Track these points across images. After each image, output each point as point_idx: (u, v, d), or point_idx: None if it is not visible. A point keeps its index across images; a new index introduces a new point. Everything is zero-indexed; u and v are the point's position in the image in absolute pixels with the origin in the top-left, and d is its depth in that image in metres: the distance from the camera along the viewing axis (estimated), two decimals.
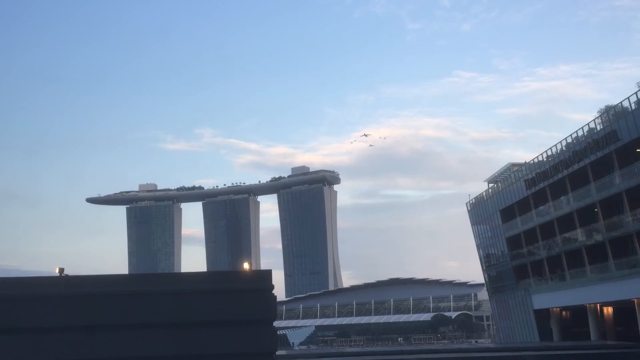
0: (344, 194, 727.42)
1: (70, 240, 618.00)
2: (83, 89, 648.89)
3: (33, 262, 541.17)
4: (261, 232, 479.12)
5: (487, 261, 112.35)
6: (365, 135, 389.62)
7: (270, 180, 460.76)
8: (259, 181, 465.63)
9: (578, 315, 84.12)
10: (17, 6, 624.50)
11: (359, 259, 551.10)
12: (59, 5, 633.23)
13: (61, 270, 46.74)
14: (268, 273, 22.56)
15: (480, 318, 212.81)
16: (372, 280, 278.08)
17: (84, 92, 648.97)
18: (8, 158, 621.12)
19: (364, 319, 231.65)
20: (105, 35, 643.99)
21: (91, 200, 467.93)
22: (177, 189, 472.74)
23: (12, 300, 21.52)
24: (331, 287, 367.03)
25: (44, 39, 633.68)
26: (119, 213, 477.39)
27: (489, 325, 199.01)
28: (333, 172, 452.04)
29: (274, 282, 24.64)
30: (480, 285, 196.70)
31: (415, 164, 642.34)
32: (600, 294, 75.33)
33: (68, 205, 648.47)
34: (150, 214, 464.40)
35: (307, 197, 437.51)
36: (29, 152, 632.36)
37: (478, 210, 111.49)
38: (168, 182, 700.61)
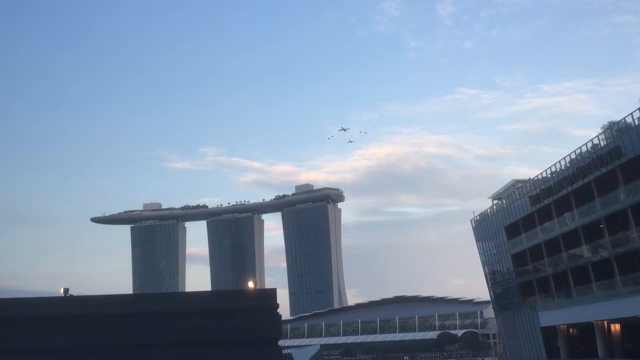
0: (348, 212, 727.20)
1: (74, 260, 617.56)
2: (87, 109, 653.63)
3: (38, 282, 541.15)
4: (265, 251, 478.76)
5: (493, 278, 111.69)
6: (344, 130, 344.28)
7: (274, 199, 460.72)
8: (263, 199, 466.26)
9: (585, 332, 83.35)
10: (21, 32, 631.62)
11: (364, 277, 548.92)
12: (64, 28, 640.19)
13: (66, 290, 46.69)
14: (273, 292, 22.55)
15: (487, 336, 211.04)
16: (377, 298, 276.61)
17: (88, 112, 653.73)
18: (13, 179, 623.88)
19: (369, 338, 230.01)
20: (108, 57, 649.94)
21: (96, 220, 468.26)
22: (182, 208, 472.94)
23: (18, 321, 21.54)
24: (336, 306, 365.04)
25: (52, 60, 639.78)
26: (124, 232, 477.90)
27: (495, 343, 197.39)
28: (337, 189, 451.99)
29: (278, 301, 24.70)
30: (486, 302, 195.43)
31: (419, 181, 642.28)
32: (607, 310, 74.69)
33: (73, 225, 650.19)
34: (155, 233, 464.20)
35: (311, 215, 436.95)
36: (34, 173, 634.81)
37: (482, 227, 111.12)
38: (172, 201, 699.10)
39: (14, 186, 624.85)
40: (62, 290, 44.75)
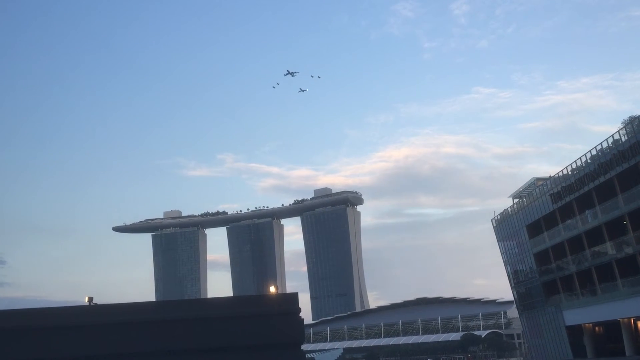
0: (367, 215, 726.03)
1: (97, 269, 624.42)
2: (106, 119, 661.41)
3: (62, 292, 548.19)
4: (286, 255, 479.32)
5: (516, 278, 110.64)
6: (291, 74, 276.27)
7: (293, 203, 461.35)
8: (282, 204, 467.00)
9: (612, 330, 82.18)
10: (40, 40, 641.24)
11: (385, 279, 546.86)
12: (85, 36, 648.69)
13: (90, 299, 47.20)
14: (294, 296, 22.59)
15: (511, 336, 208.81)
16: (399, 300, 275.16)
17: (107, 122, 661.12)
18: (34, 190, 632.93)
19: (392, 340, 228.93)
20: (126, 66, 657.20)
21: (117, 229, 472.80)
22: (201, 215, 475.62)
23: (44, 330, 21.83)
24: (358, 309, 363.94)
25: (70, 70, 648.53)
26: (145, 241, 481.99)
27: (520, 343, 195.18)
28: (355, 192, 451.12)
29: (300, 305, 24.68)
30: (509, 302, 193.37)
31: (438, 182, 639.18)
32: (633, 308, 73.55)
33: (95, 235, 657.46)
34: (176, 241, 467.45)
35: (330, 219, 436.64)
36: (55, 184, 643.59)
37: (504, 226, 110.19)
38: (192, 208, 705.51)
39: (35, 197, 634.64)
40: (86, 299, 45.26)
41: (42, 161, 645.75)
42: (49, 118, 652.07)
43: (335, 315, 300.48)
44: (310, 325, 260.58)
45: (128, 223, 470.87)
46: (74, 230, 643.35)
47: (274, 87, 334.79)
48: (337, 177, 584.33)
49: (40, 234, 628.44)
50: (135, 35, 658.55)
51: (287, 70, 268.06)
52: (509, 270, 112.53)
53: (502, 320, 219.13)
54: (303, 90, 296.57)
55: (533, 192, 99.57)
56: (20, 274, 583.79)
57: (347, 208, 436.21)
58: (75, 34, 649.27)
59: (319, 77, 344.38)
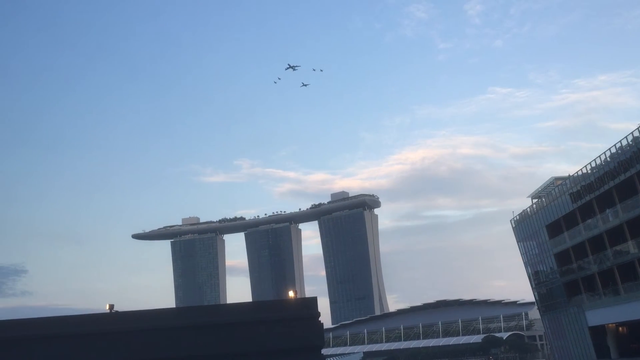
0: (385, 217, 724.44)
1: (118, 276, 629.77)
2: (123, 127, 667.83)
3: (83, 299, 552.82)
4: (304, 260, 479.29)
5: (536, 278, 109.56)
6: (292, 68, 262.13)
7: (310, 208, 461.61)
8: (299, 209, 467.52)
9: (636, 330, 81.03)
10: (58, 46, 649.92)
11: (404, 282, 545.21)
12: (95, 46, 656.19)
13: (111, 306, 47.62)
14: (313, 300, 22.56)
15: (533, 338, 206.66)
16: (419, 303, 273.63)
17: (125, 130, 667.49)
18: (54, 199, 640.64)
19: (412, 343, 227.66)
20: (138, 74, 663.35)
21: (137, 237, 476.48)
22: (219, 221, 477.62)
23: (67, 338, 22.06)
24: (377, 312, 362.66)
25: (85, 80, 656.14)
26: (164, 248, 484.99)
27: (542, 345, 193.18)
28: (373, 195, 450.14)
29: (319, 309, 24.68)
30: (530, 303, 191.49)
31: (455, 183, 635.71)
32: None
33: (114, 243, 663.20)
34: (194, 247, 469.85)
35: (348, 222, 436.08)
36: (74, 193, 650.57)
37: (523, 226, 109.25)
38: (210, 214, 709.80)
39: (55, 206, 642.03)
40: (107, 307, 45.68)
41: (61, 169, 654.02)
42: (68, 126, 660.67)
43: (354, 319, 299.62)
44: (329, 330, 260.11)
45: (147, 230, 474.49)
46: (94, 238, 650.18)
47: (275, 82, 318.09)
48: (354, 180, 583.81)
49: (61, 242, 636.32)
50: (152, 43, 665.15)
51: (288, 64, 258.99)
52: (530, 271, 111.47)
53: (524, 322, 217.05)
54: (305, 85, 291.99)
55: (552, 191, 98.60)
56: (41, 282, 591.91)
57: (365, 211, 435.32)
58: (92, 41, 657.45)
59: (321, 71, 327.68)
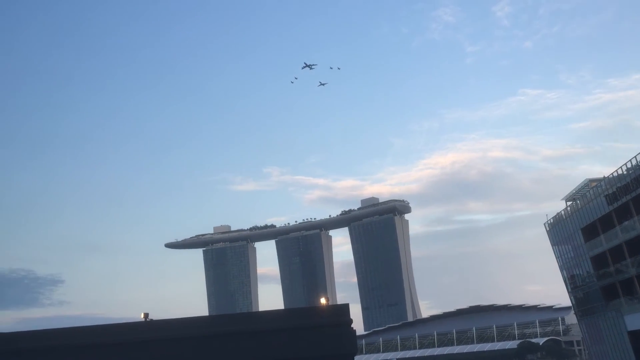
0: (416, 223, 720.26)
1: (152, 285, 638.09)
2: (154, 138, 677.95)
3: (118, 308, 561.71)
4: (335, 266, 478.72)
5: (573, 283, 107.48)
6: (309, 67, 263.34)
7: (340, 214, 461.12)
8: (329, 215, 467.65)
9: None
10: (92, 55, 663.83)
11: (436, 287, 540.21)
12: (125, 54, 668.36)
13: (146, 315, 48.21)
14: (345, 307, 22.51)
15: (570, 343, 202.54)
16: (452, 309, 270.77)
17: (156, 143, 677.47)
18: (89, 211, 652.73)
19: (446, 350, 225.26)
20: (169, 82, 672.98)
21: (169, 246, 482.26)
22: (250, 229, 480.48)
23: (104, 347, 22.43)
24: (410, 318, 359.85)
25: (113, 89, 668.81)
26: (196, 256, 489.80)
27: (580, 350, 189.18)
28: (403, 201, 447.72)
29: (351, 316, 24.58)
30: (567, 308, 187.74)
31: (487, 187, 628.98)
32: None
33: (148, 252, 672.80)
34: (226, 255, 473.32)
35: (378, 228, 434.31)
36: (109, 205, 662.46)
37: (558, 230, 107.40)
38: (241, 222, 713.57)
39: (90, 217, 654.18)
40: (142, 316, 46.28)
41: (96, 181, 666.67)
42: (102, 139, 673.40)
43: (387, 326, 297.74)
44: (362, 336, 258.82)
45: (179, 239, 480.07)
46: (128, 248, 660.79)
47: (292, 82, 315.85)
48: (384, 186, 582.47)
49: (96, 252, 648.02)
50: (185, 62, 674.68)
51: (305, 63, 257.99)
52: (565, 275, 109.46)
53: (560, 327, 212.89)
54: (323, 84, 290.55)
55: (587, 193, 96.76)
56: (77, 292, 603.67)
57: (395, 217, 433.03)
58: (136, 64, 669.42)
59: (338, 69, 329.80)
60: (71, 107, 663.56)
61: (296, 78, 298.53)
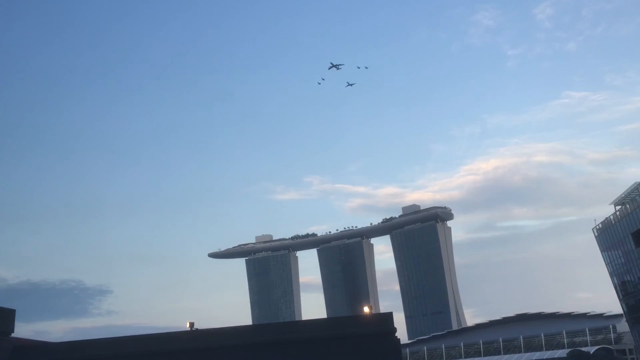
0: (458, 230, 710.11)
1: (197, 294, 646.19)
2: (198, 152, 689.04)
3: (165, 317, 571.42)
4: (377, 275, 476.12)
5: (624, 289, 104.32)
6: (336, 67, 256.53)
7: (381, 222, 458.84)
8: (371, 223, 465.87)
9: None
10: (118, 64, 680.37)
11: (481, 295, 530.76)
12: (177, 81, 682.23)
13: (191, 324, 49.00)
14: (389, 316, 22.42)
15: (623, 352, 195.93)
16: (498, 317, 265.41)
17: (199, 155, 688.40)
18: (136, 222, 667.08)
19: (493, 359, 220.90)
20: (213, 93, 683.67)
21: (213, 255, 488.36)
22: (292, 238, 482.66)
23: (149, 356, 22.86)
24: (454, 327, 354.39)
25: (153, 97, 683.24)
26: (239, 265, 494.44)
27: (633, 359, 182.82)
28: (445, 208, 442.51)
29: (395, 325, 24.44)
30: (618, 315, 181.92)
31: (531, 193, 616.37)
32: None
33: (192, 262, 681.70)
34: (268, 265, 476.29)
35: (420, 236, 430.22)
36: (155, 215, 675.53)
37: (607, 235, 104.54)
38: (283, 231, 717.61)
39: (137, 228, 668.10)
40: (188, 325, 47.04)
41: (143, 195, 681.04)
42: (150, 153, 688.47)
43: (431, 334, 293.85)
44: (406, 345, 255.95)
45: (222, 249, 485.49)
46: (172, 258, 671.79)
47: (319, 84, 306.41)
48: (425, 193, 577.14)
49: (143, 263, 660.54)
50: (224, 75, 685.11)
51: (331, 63, 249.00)
52: (616, 281, 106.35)
53: (612, 335, 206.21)
54: (351, 85, 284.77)
55: (636, 197, 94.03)
56: (125, 302, 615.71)
57: (437, 224, 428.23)
58: (170, 76, 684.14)
59: (366, 68, 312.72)
60: (124, 121, 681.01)
61: (323, 79, 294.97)
